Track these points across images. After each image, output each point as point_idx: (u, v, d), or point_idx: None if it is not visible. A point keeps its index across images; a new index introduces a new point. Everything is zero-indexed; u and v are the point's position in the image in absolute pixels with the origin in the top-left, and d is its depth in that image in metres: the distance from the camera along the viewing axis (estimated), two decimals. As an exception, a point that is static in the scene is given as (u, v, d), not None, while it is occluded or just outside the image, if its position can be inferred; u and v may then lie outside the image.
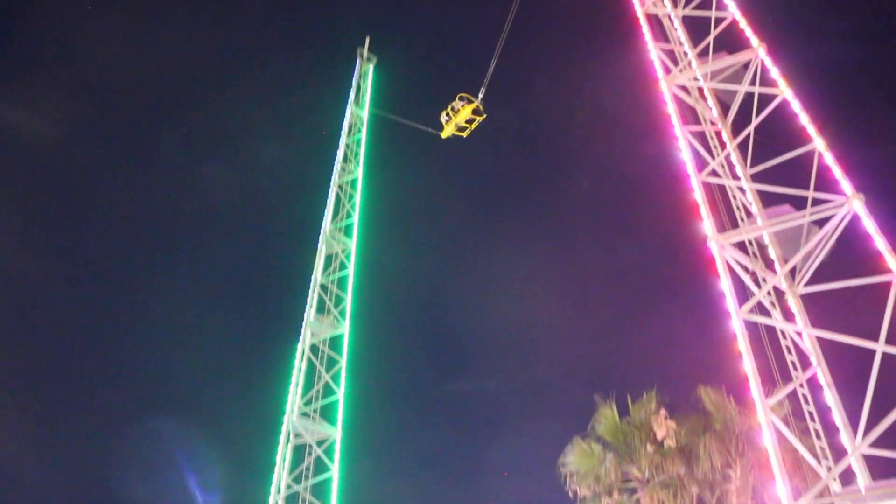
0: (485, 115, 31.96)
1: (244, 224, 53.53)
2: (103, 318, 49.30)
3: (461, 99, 32.10)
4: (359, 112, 37.89)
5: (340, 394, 30.62)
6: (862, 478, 14.92)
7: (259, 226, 52.58)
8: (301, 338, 31.22)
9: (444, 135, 32.90)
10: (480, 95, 31.41)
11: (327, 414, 30.32)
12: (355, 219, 35.01)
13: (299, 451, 29.27)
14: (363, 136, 37.26)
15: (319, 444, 29.48)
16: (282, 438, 28.77)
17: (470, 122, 32.11)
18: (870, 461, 14.98)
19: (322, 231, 34.08)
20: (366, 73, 39.23)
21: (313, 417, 29.93)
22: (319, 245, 33.79)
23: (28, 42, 52.23)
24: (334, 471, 28.94)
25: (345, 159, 36.37)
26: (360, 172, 36.32)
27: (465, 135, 32.92)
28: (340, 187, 35.53)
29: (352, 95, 38.14)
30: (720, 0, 21.23)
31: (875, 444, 14.27)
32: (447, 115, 32.64)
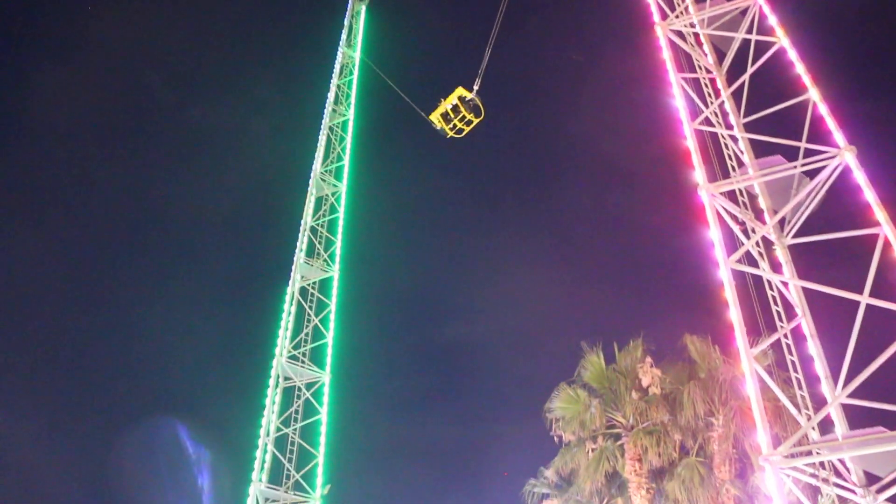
0: (483, 116, 28.31)
1: (232, 164, 53.18)
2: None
3: (463, 100, 28.11)
4: (350, 53, 37.26)
5: (330, 337, 30.71)
6: (840, 426, 15.13)
7: (248, 167, 52.23)
8: (290, 281, 31.19)
9: (431, 115, 28.84)
10: (476, 87, 27.77)
11: (316, 357, 30.49)
12: (346, 161, 34.70)
13: (288, 395, 29.50)
14: (355, 77, 36.72)
15: (308, 387, 29.69)
16: (271, 381, 28.91)
17: (466, 121, 28.29)
18: (849, 411, 15.16)
19: (312, 174, 33.77)
20: (358, 13, 38.48)
21: (302, 361, 30.08)
22: (310, 188, 33.53)
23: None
24: (323, 413, 29.19)
25: (336, 101, 35.87)
26: (351, 114, 35.88)
27: (449, 132, 28.95)
28: (331, 129, 35.10)
29: (343, 36, 37.42)
30: (719, -56, 20.78)
31: (854, 395, 14.41)
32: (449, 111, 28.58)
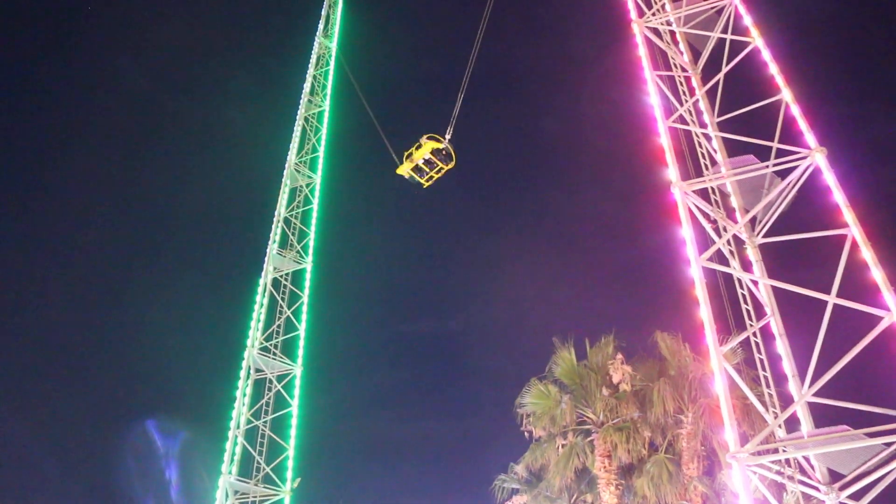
0: (452, 164, 27.30)
1: (207, 156, 52.69)
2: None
3: (429, 139, 27.10)
4: (327, 43, 37.03)
5: (302, 329, 30.60)
6: (806, 425, 15.28)
7: (223, 159, 51.75)
8: (263, 272, 31.02)
9: (399, 170, 27.86)
10: (448, 136, 26.86)
11: (288, 349, 30.35)
12: (321, 152, 34.52)
13: (259, 387, 29.37)
14: (331, 68, 36.50)
15: (280, 379, 29.55)
16: (242, 373, 28.76)
17: (433, 167, 27.27)
18: (815, 409, 15.31)
19: (287, 164, 33.57)
20: (335, 3, 38.23)
21: (274, 353, 29.91)
22: (284, 179, 33.32)
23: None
24: (294, 406, 29.08)
25: (311, 92, 35.66)
26: (326, 105, 35.68)
27: (425, 183, 27.97)
28: (306, 120, 34.91)
29: (320, 26, 37.22)
30: (696, -58, 20.84)
31: (820, 394, 14.54)
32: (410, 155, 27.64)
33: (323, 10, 37.55)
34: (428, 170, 27.45)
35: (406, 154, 27.55)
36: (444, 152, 27.06)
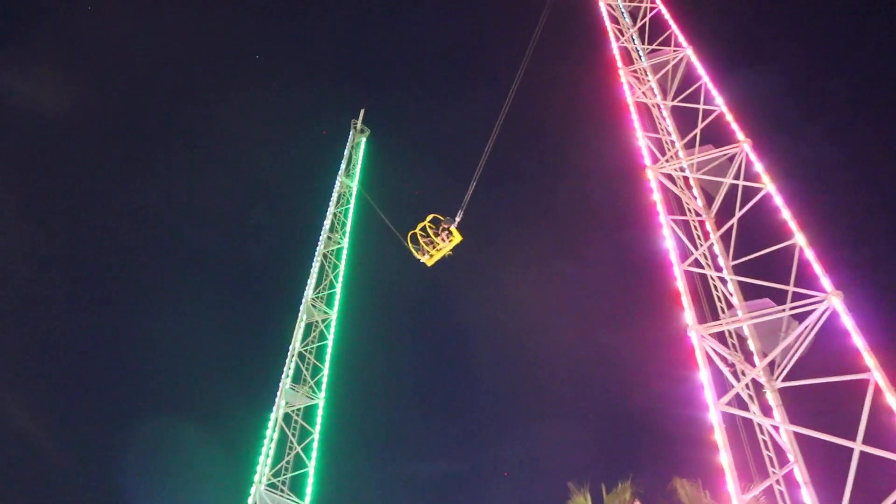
0: (461, 239, 27.58)
1: (226, 288, 53.23)
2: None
3: (436, 222, 27.76)
4: (349, 183, 38.18)
5: (311, 467, 29.91)
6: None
7: (241, 290, 52.29)
8: (275, 406, 30.66)
9: (423, 259, 28.31)
10: (458, 219, 27.49)
11: (296, 486, 29.54)
12: (338, 289, 34.87)
13: (265, 525, 28.42)
14: (351, 207, 37.46)
15: (287, 518, 28.64)
16: (248, 510, 27.93)
17: (433, 243, 27.88)
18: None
19: (304, 299, 33.85)
20: (358, 145, 39.72)
21: (282, 489, 29.13)
22: (300, 314, 33.50)
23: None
24: (301, 546, 28.08)
25: (331, 229, 36.45)
26: (345, 243, 36.37)
27: (430, 262, 28.40)
28: (325, 256, 35.50)
29: (343, 166, 38.52)
30: (708, 93, 21.77)
31: (851, 548, 13.96)
32: (419, 235, 28.07)
33: (346, 150, 38.97)
34: (435, 251, 27.96)
35: (413, 233, 28.12)
36: (444, 228, 27.56)
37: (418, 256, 28.27)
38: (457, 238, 27.72)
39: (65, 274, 50.20)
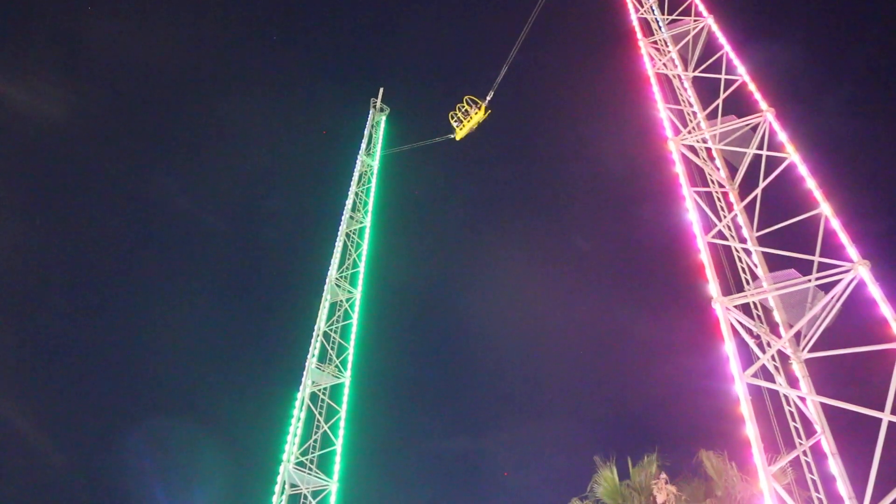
0: (489, 112, 34.09)
1: (248, 273, 53.57)
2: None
3: (470, 103, 34.37)
4: (369, 161, 38.20)
5: (338, 445, 30.21)
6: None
7: (264, 273, 52.60)
8: (301, 386, 30.95)
9: (458, 136, 35.11)
10: (488, 97, 33.57)
11: (324, 464, 29.89)
12: (361, 268, 35.02)
13: (294, 502, 28.81)
14: (373, 185, 37.51)
15: (315, 494, 28.99)
16: (277, 488, 28.29)
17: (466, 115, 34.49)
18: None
19: (328, 279, 34.03)
20: (378, 124, 39.70)
21: (310, 467, 29.48)
22: (324, 293, 33.71)
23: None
24: (330, 523, 28.44)
25: (353, 208, 36.55)
26: (368, 221, 36.48)
27: (458, 135, 35.02)
28: (348, 236, 35.63)
29: (363, 145, 38.54)
30: (730, 63, 21.46)
31: (880, 518, 13.86)
32: (456, 118, 34.68)
33: (366, 130, 38.96)
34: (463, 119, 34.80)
35: (452, 115, 35.20)
36: (476, 103, 34.41)
37: (456, 130, 34.90)
38: (482, 112, 34.03)
39: (67, 273, 50.53)
